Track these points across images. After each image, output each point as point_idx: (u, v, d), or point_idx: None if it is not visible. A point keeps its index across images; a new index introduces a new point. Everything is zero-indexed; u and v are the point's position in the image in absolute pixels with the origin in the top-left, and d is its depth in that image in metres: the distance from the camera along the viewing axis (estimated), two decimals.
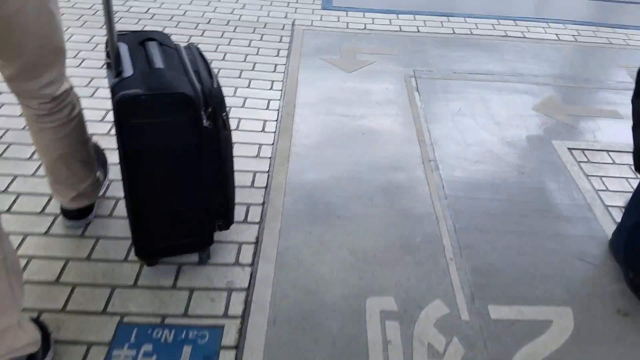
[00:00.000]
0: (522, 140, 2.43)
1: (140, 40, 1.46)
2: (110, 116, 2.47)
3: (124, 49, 1.40)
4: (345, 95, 2.73)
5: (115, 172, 2.00)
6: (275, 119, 2.51)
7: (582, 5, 4.23)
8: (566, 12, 3.99)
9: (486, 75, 2.99)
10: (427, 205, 2.00)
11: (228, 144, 1.54)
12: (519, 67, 3.11)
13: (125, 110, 1.26)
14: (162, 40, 1.49)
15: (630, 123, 1.61)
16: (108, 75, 1.38)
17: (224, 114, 1.45)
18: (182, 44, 1.58)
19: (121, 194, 1.55)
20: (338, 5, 3.85)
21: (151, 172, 1.38)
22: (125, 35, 1.48)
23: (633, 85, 1.59)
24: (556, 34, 3.58)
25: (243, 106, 2.59)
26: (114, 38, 1.35)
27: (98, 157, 1.92)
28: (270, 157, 2.22)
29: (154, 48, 1.43)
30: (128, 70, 1.32)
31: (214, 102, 1.36)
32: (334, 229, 1.85)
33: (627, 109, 2.74)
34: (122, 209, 1.66)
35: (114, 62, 1.36)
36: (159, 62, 1.36)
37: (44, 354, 1.35)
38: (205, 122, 1.35)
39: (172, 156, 1.37)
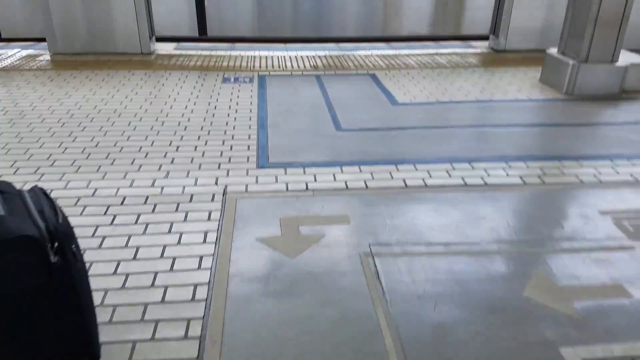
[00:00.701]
0: (524, 351, 1.86)
1: None
2: None
3: None
4: (289, 301, 2.11)
5: None
6: (197, 355, 1.85)
7: (537, 135, 4.00)
8: (523, 146, 3.70)
9: (456, 245, 2.50)
10: None
11: (82, 276, 1.57)
12: (491, 228, 2.63)
13: None
14: (3, 188, 1.53)
15: None
16: None
17: (73, 245, 1.48)
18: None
19: None
20: (275, 162, 3.42)
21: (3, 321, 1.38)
22: None
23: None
24: (520, 176, 3.22)
25: (152, 338, 1.92)
26: None
27: None
28: None
29: None
30: None
31: (61, 236, 1.42)
32: None
33: (631, 283, 2.21)
34: None
35: None
36: None
37: None
38: (53, 258, 1.38)
39: (23, 300, 1.37)
